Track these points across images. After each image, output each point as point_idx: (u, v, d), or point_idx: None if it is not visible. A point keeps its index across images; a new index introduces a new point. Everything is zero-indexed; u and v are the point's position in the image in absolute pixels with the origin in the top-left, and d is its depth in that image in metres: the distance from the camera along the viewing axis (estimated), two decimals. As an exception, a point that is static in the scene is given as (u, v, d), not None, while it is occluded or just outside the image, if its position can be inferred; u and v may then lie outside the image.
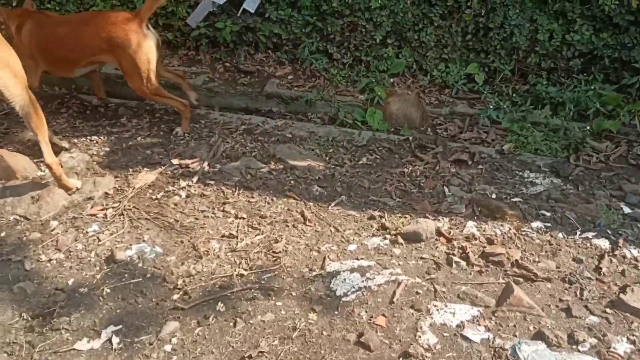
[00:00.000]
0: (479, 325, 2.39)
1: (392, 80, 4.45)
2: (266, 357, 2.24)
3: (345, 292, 2.55)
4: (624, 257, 2.84)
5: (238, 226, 3.03)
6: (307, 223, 3.04)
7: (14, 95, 2.94)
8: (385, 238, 2.93)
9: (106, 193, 3.28)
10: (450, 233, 2.95)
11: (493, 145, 3.90)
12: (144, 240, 2.90)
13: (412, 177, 3.51)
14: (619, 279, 2.70)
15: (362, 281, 2.60)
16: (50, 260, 2.76)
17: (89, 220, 3.05)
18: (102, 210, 3.13)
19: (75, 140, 3.92)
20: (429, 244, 2.89)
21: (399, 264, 2.75)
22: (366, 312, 2.46)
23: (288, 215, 3.13)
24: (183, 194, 3.30)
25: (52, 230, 2.97)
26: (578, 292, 2.60)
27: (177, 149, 3.83)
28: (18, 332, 2.36)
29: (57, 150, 3.49)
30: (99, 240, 2.89)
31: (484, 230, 2.99)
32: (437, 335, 2.35)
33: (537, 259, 2.80)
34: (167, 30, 4.97)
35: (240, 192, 3.33)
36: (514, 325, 2.41)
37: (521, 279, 2.66)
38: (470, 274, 2.70)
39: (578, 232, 3.00)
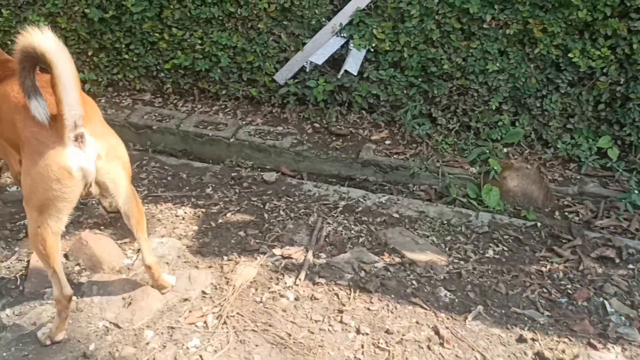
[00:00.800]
0: None
1: (505, 150, 3.95)
2: None
3: None
4: None
5: (362, 345, 2.56)
6: (445, 345, 2.54)
7: (119, 189, 2.53)
8: (545, 372, 2.42)
9: (203, 292, 2.86)
10: (625, 368, 2.43)
11: (639, 236, 3.36)
12: (255, 363, 2.45)
13: (555, 280, 2.99)
14: None
15: None
16: (149, 388, 2.33)
17: (188, 331, 2.62)
18: (201, 317, 2.70)
19: (160, 216, 3.53)
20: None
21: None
22: None
23: (418, 331, 2.65)
24: (291, 295, 2.85)
25: (148, 344, 2.54)
26: None
27: (273, 229, 3.40)
28: None
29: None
30: (203, 361, 2.45)
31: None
32: None
33: None
34: (251, 86, 4.58)
35: (357, 295, 2.86)
36: None
37: None
38: None
39: None
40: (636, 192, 3.47)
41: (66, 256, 3.07)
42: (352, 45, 3.99)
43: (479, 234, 3.37)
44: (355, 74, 3.89)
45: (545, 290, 2.92)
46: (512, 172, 3.75)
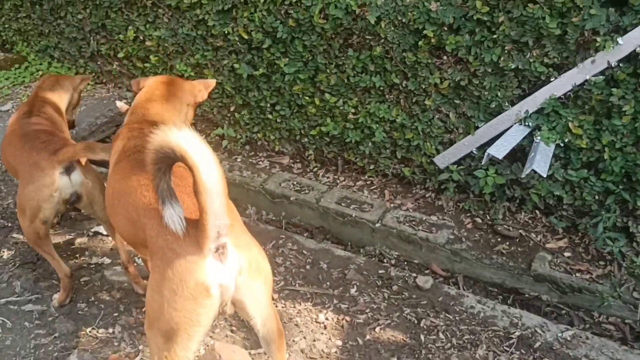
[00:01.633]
0: None
1: None
2: None
3: None
4: None
5: None
6: None
7: (260, 309, 2.08)
8: None
9: None
10: None
11: None
12: None
13: None
14: None
15: None
16: None
17: None
18: None
19: (299, 320, 3.05)
20: None
21: None
22: None
23: None
24: None
25: None
26: None
27: (432, 359, 2.80)
28: None
29: None
30: None
31: None
32: None
33: None
34: (405, 164, 4.05)
35: None
36: None
37: None
38: None
39: None
40: None
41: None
42: (538, 137, 3.35)
43: None
44: (545, 175, 3.24)
45: None
46: None
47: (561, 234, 3.62)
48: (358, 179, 4.28)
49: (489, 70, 3.40)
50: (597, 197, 3.41)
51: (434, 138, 3.82)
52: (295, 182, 4.30)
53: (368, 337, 2.96)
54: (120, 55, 4.94)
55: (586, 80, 3.15)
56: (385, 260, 3.82)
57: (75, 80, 3.73)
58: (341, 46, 3.85)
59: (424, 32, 3.47)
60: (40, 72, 5.50)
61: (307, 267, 3.52)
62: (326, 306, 3.17)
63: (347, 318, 3.08)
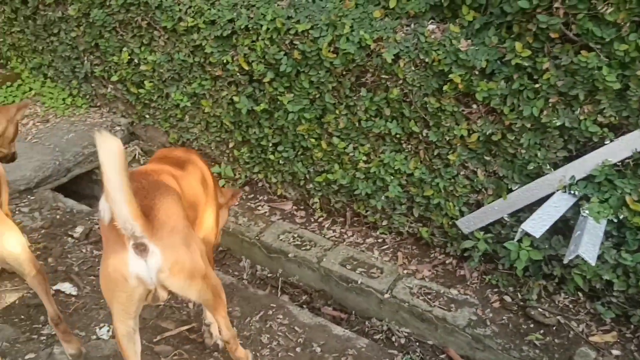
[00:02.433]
0: None
1: None
2: None
3: None
4: None
5: None
6: None
7: (189, 297, 2.36)
8: None
9: None
10: None
11: None
12: None
13: None
14: None
15: None
16: None
17: None
18: None
19: None
20: None
21: None
22: None
23: None
24: None
25: None
26: None
27: None
28: None
29: None
30: None
31: None
32: None
33: None
34: (422, 224, 3.45)
35: None
36: None
37: None
38: None
39: None
40: None
41: None
42: (586, 212, 2.73)
43: None
44: (593, 263, 2.60)
45: None
46: None
47: (609, 324, 2.98)
48: (368, 235, 3.70)
49: (528, 125, 2.80)
50: (656, 286, 2.76)
51: (458, 198, 3.21)
52: (296, 235, 3.74)
53: None
54: (114, 78, 4.46)
55: (651, 147, 2.53)
56: (393, 339, 3.24)
57: (9, 111, 3.22)
58: (353, 85, 3.29)
59: (450, 75, 2.89)
60: (33, 92, 5.07)
61: (297, 349, 2.95)
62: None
63: None
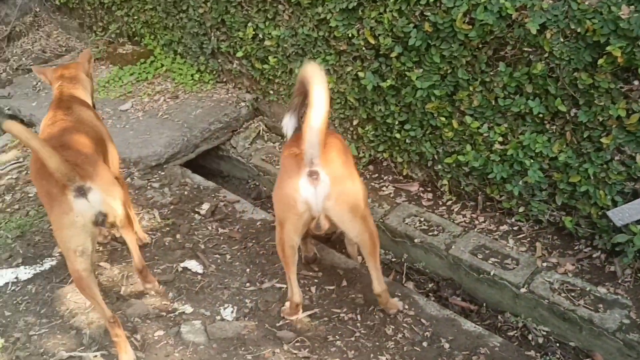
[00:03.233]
0: None
1: None
2: None
3: None
4: None
5: None
6: None
7: (348, 229, 2.64)
8: None
9: None
10: None
11: None
12: None
13: None
14: None
15: None
16: None
17: None
18: None
19: None
20: None
21: None
22: None
23: None
24: None
25: None
26: None
27: None
28: None
29: None
30: None
31: None
32: None
33: None
34: (566, 212, 3.11)
35: None
36: None
37: None
38: None
39: None
40: None
41: None
42: None
43: None
44: None
45: None
46: None
47: None
48: (502, 222, 3.41)
49: None
50: None
51: (611, 186, 2.84)
52: (422, 219, 3.54)
53: None
54: (239, 54, 4.46)
55: None
56: (530, 337, 2.98)
57: (83, 65, 3.23)
58: (489, 59, 2.99)
59: (608, 47, 2.50)
60: (165, 68, 5.23)
61: (424, 344, 2.79)
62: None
63: None
